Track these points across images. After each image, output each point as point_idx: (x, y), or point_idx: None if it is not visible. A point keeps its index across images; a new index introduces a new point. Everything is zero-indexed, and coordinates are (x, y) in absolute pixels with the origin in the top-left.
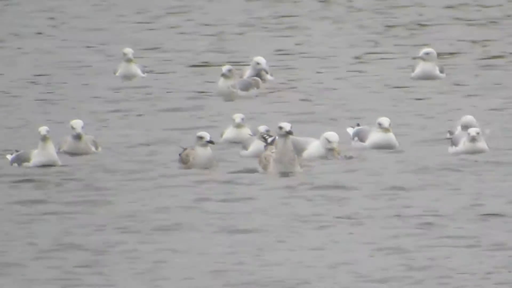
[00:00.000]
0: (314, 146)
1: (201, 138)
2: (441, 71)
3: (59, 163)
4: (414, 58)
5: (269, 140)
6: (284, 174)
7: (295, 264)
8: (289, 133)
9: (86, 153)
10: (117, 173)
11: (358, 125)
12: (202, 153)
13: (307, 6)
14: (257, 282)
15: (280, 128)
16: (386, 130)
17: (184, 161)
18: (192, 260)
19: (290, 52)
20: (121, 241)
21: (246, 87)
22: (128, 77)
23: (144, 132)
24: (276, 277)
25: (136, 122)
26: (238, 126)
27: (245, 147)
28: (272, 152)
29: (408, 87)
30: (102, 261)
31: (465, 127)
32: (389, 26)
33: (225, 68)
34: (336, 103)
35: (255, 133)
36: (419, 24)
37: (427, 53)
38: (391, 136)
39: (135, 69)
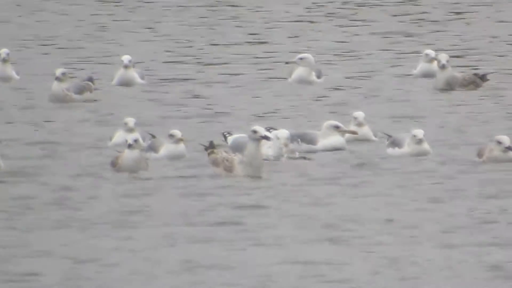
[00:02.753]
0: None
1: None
2: (319, 76)
3: None
4: (287, 63)
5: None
6: (252, 178)
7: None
8: (264, 138)
9: None
10: None
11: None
12: (129, 155)
13: None
14: None
15: (254, 132)
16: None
17: (114, 164)
18: None
19: None
20: None
21: (80, 90)
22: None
23: None
24: None
25: None
26: (130, 130)
27: (154, 150)
28: (228, 154)
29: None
30: None
31: (358, 121)
32: None
33: (59, 72)
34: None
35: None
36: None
37: (301, 58)
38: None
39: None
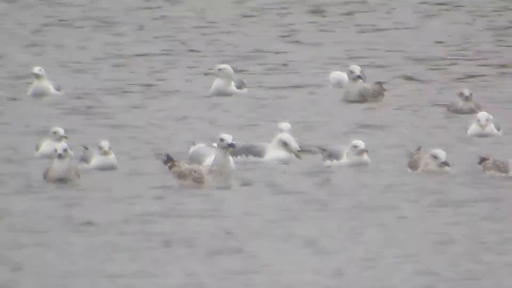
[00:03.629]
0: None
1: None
2: (239, 87)
3: None
4: (206, 74)
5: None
6: (222, 187)
7: None
8: (231, 146)
9: None
10: None
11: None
12: (58, 165)
13: None
14: None
15: (222, 140)
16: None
17: (45, 175)
18: None
19: None
20: None
21: None
22: None
23: None
24: None
25: None
26: (58, 139)
27: (86, 161)
28: (193, 166)
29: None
30: None
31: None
32: None
33: None
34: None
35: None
36: None
37: (220, 69)
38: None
39: None
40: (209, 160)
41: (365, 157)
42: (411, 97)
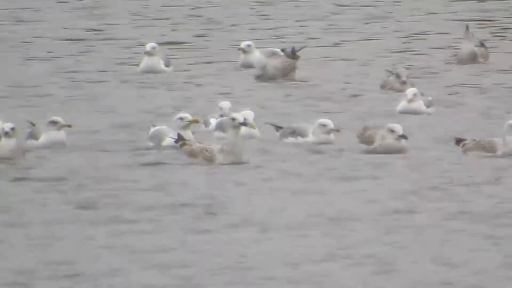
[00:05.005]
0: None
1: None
2: (167, 65)
3: None
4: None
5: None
6: (234, 165)
7: None
8: (243, 124)
9: None
10: None
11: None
12: (5, 144)
13: None
14: None
15: (233, 119)
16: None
17: None
18: None
19: None
20: None
21: None
22: None
23: None
24: None
25: None
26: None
27: (34, 137)
28: (204, 144)
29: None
30: None
31: (223, 112)
32: None
33: None
34: None
35: None
36: None
37: (153, 47)
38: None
39: None
40: (168, 140)
41: (332, 136)
42: None
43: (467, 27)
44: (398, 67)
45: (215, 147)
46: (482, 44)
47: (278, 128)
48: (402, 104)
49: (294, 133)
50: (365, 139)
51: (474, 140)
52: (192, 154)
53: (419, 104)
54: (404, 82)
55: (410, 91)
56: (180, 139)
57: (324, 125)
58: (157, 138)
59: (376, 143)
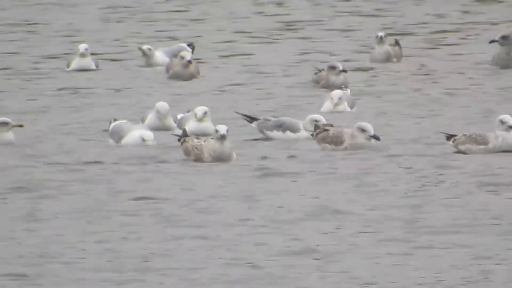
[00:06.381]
0: None
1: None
2: (97, 66)
3: None
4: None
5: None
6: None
7: None
8: (222, 137)
9: None
10: None
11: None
12: None
13: None
14: None
15: (216, 131)
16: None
17: None
18: None
19: None
20: None
21: None
22: None
23: None
24: None
25: None
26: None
27: None
28: (198, 141)
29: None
30: None
31: (157, 112)
32: None
33: None
34: None
35: None
36: None
37: (86, 49)
38: (208, 125)
39: None
40: (129, 136)
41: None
42: None
43: (381, 37)
44: (332, 61)
45: (206, 146)
46: (396, 43)
47: (251, 119)
48: (326, 105)
49: (281, 126)
50: (332, 138)
51: (465, 134)
52: (186, 152)
53: (344, 107)
54: (341, 79)
55: (335, 94)
56: (183, 135)
57: (316, 121)
58: (117, 134)
59: (346, 143)
